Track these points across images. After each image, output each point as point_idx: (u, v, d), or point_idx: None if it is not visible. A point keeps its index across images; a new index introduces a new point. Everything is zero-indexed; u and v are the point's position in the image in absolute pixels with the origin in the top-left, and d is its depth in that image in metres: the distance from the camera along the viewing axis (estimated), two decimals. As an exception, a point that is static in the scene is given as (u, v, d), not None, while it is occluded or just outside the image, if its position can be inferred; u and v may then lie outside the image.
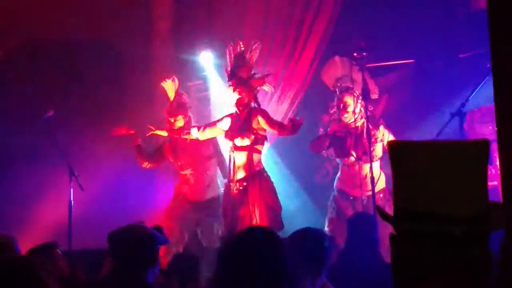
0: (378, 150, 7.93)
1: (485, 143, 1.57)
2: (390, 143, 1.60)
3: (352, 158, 8.05)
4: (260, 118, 7.51)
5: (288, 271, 2.76)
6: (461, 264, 1.51)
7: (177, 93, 8.30)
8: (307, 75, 9.27)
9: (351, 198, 8.04)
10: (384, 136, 7.97)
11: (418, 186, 1.52)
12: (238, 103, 7.65)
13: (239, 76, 7.65)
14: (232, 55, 7.73)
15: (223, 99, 9.11)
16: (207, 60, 9.47)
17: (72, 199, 7.78)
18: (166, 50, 10.24)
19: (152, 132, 8.18)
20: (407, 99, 9.15)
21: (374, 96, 8.23)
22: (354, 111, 8.11)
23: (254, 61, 7.73)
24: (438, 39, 8.45)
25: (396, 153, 1.57)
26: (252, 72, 7.71)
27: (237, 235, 3.03)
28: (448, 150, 1.52)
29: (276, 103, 9.28)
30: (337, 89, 8.29)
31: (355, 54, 7.52)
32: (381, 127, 8.02)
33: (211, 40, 9.48)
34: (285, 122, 7.86)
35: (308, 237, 4.14)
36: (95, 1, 10.21)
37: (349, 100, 8.10)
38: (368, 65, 7.78)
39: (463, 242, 1.50)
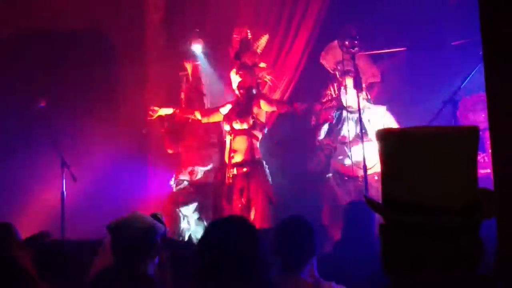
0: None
1: (474, 131, 1.55)
2: (378, 132, 1.59)
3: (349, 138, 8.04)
4: (262, 102, 7.55)
5: (266, 261, 2.76)
6: (451, 254, 1.50)
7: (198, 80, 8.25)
8: (298, 64, 9.26)
9: (346, 178, 8.03)
10: (386, 118, 8.03)
11: (406, 176, 1.50)
12: (240, 86, 7.68)
13: (243, 60, 7.71)
14: (239, 39, 7.76)
15: (214, 88, 9.12)
16: (198, 50, 9.42)
17: (64, 189, 7.75)
18: (159, 40, 10.21)
19: (157, 113, 8.12)
20: (400, 86, 9.12)
21: (376, 79, 8.30)
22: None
23: (260, 50, 7.78)
24: (430, 26, 8.43)
25: (384, 142, 1.56)
26: (257, 60, 7.76)
27: (214, 227, 2.98)
28: (436, 138, 1.50)
29: (268, 91, 9.26)
30: (337, 72, 8.34)
31: (346, 43, 7.51)
32: (383, 109, 8.08)
33: (203, 30, 9.44)
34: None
35: (293, 225, 4.09)
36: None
37: (350, 83, 8.10)
38: (359, 53, 7.76)
39: (453, 232, 1.49)
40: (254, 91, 7.74)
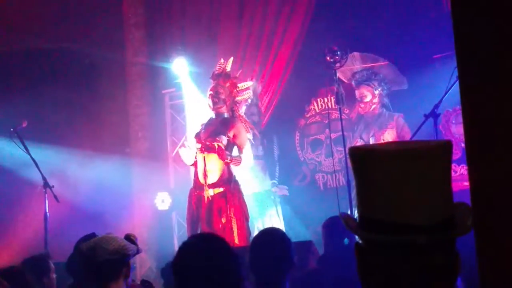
0: (389, 136, 8.41)
1: (446, 145, 1.53)
2: (350, 149, 1.57)
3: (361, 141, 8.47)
4: (237, 134, 7.51)
5: (240, 279, 2.74)
6: (427, 272, 1.48)
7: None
8: (282, 77, 9.27)
9: None
10: (398, 123, 8.44)
11: (379, 194, 1.48)
12: (213, 96, 7.65)
13: (219, 81, 7.71)
14: (222, 67, 7.78)
15: (197, 106, 9.11)
16: (180, 68, 9.41)
17: (47, 210, 7.67)
18: (140, 58, 10.19)
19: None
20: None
21: (403, 87, 8.65)
22: (371, 101, 8.57)
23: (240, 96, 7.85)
24: (411, 40, 8.46)
25: (357, 159, 1.54)
26: (234, 90, 7.77)
27: (191, 244, 2.88)
28: (406, 155, 1.48)
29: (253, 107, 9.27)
30: (353, 82, 8.71)
31: (328, 58, 7.54)
32: (396, 117, 8.50)
33: (184, 47, 9.44)
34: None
35: (267, 237, 4.01)
36: (69, 10, 10.14)
37: (365, 91, 8.56)
38: (341, 68, 7.80)
39: (428, 250, 1.47)
40: (226, 115, 7.69)
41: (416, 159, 1.47)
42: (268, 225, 8.54)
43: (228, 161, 7.40)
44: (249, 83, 8.03)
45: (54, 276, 5.37)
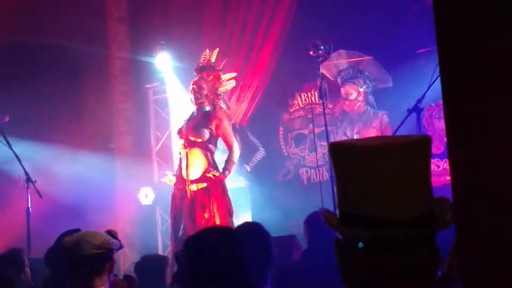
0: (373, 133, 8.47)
1: (425, 140, 1.53)
2: (330, 145, 1.56)
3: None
4: (219, 124, 7.51)
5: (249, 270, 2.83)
6: (406, 266, 1.48)
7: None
8: (266, 72, 9.26)
9: None
10: (382, 121, 8.53)
11: (358, 189, 1.48)
12: (194, 100, 7.64)
13: (202, 75, 7.70)
14: (207, 58, 7.77)
15: (180, 100, 9.10)
16: (164, 63, 9.38)
17: (30, 205, 7.63)
18: (123, 52, 10.15)
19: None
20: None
21: (388, 85, 8.69)
22: (357, 99, 8.66)
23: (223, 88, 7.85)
24: (395, 35, 8.47)
25: (336, 155, 1.54)
26: (217, 83, 7.76)
27: (202, 235, 3.07)
28: (386, 150, 1.48)
29: (235, 103, 9.26)
30: (339, 79, 8.76)
31: (311, 53, 7.54)
32: (381, 115, 8.57)
33: (167, 42, 9.41)
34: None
35: (245, 231, 4.01)
36: (52, 5, 10.08)
37: (350, 89, 8.63)
38: (324, 63, 7.80)
39: (407, 244, 1.47)
40: (208, 108, 7.68)
41: (393, 154, 1.47)
42: (242, 220, 8.53)
43: (228, 174, 7.50)
44: (233, 74, 8.03)
45: (29, 270, 5.36)
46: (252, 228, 4.05)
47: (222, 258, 2.82)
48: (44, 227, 8.23)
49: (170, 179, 7.78)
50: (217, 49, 8.00)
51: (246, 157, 9.24)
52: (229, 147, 7.65)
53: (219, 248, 2.86)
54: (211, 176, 7.37)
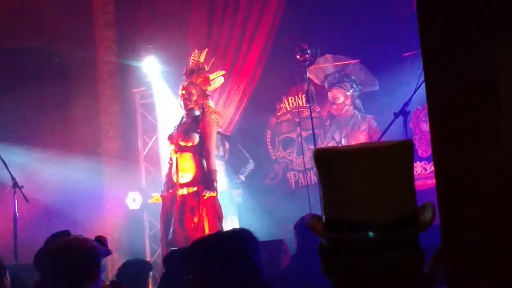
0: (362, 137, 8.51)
1: (407, 144, 1.55)
2: (313, 152, 1.58)
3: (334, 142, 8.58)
4: (203, 125, 7.53)
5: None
6: (386, 269, 1.50)
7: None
8: (253, 76, 9.26)
9: None
10: (370, 125, 8.54)
11: (341, 194, 1.50)
12: (185, 97, 7.65)
13: (192, 80, 7.72)
14: (195, 61, 7.78)
15: (167, 105, 9.09)
16: (151, 67, 9.37)
17: (16, 211, 7.60)
18: (110, 56, 10.13)
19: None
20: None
21: (374, 88, 8.71)
22: (344, 103, 8.67)
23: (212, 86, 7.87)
24: (380, 38, 8.49)
25: (319, 161, 1.55)
26: (206, 86, 7.78)
27: (215, 237, 3.11)
28: (366, 154, 1.49)
29: (223, 106, 9.25)
30: (326, 84, 8.77)
31: (298, 57, 7.56)
32: (369, 119, 8.59)
33: (154, 46, 9.39)
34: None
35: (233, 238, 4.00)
36: (38, 9, 10.05)
37: (338, 93, 8.65)
38: (311, 67, 7.82)
39: (386, 247, 1.49)
40: (197, 112, 7.70)
41: (373, 159, 1.49)
42: (229, 226, 8.49)
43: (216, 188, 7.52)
44: (221, 72, 8.04)
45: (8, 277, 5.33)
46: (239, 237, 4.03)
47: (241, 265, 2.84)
48: (32, 233, 8.21)
49: (157, 198, 7.81)
50: (206, 49, 8.04)
51: (237, 168, 9.25)
52: (206, 153, 7.62)
53: (240, 254, 2.88)
54: (208, 196, 7.38)
